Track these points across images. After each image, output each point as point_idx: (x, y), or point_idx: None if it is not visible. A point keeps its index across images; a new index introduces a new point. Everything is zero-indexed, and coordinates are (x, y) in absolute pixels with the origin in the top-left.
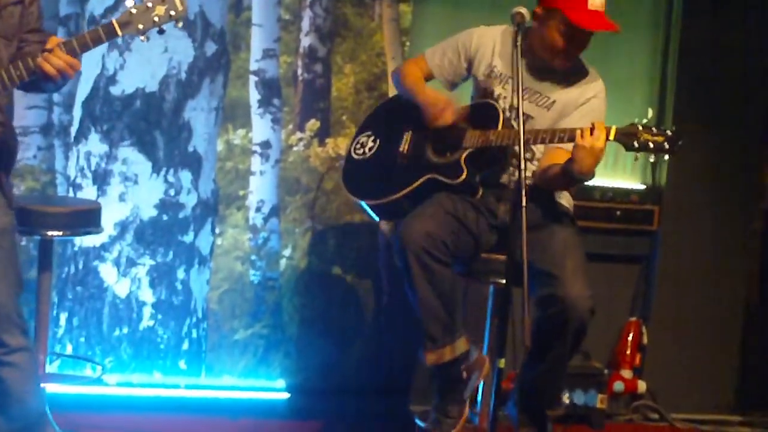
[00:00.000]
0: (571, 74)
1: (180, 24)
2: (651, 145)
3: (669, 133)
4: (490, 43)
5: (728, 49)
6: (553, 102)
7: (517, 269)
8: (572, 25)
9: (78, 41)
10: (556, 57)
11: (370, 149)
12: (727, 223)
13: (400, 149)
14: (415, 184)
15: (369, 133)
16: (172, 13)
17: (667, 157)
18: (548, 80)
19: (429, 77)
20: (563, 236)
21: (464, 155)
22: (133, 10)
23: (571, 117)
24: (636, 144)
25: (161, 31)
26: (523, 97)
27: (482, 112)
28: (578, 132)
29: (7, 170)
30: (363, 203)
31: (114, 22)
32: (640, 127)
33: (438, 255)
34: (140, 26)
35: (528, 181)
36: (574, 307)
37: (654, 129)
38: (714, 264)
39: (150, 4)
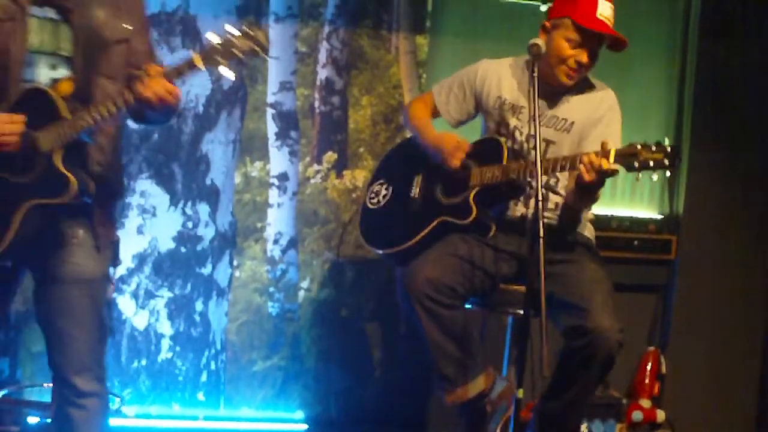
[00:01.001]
0: (582, 93)
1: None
2: (651, 163)
3: (668, 148)
4: (496, 76)
5: (744, 72)
6: (572, 123)
7: (537, 300)
8: (580, 28)
9: (171, 71)
10: (563, 67)
11: (384, 197)
12: (745, 250)
13: (411, 195)
14: (428, 229)
15: (382, 181)
16: (257, 48)
17: (668, 173)
18: (562, 103)
19: (436, 114)
20: (591, 269)
21: (472, 194)
22: (215, 44)
23: (590, 139)
24: (636, 164)
25: (243, 63)
26: (540, 123)
27: (487, 148)
28: (577, 160)
29: (105, 211)
30: (379, 252)
31: (195, 56)
32: (639, 146)
33: (442, 300)
34: (221, 59)
35: (550, 214)
36: (603, 339)
37: (653, 146)
38: (732, 293)
39: (231, 38)
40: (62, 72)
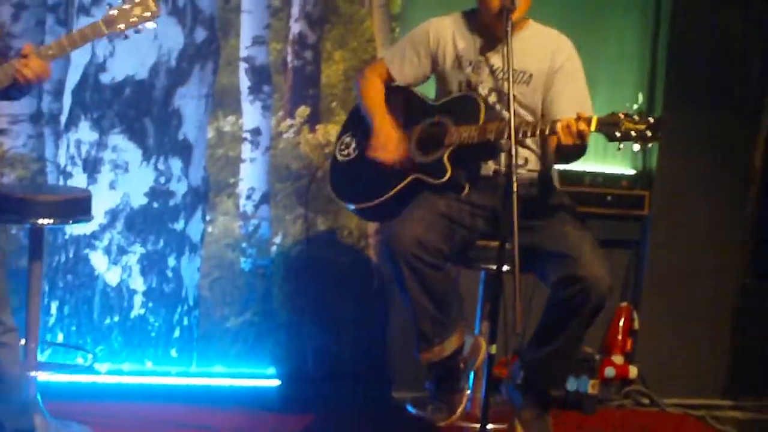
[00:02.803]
0: (535, 42)
1: (154, 25)
2: (633, 134)
3: (651, 120)
4: (449, 34)
5: (719, 30)
6: (530, 75)
7: (513, 254)
8: None
9: (53, 48)
10: (492, 8)
11: (354, 150)
12: (718, 207)
13: None
14: (400, 186)
15: (351, 133)
16: (147, 14)
17: (650, 145)
18: (517, 54)
19: (390, 81)
20: (575, 222)
21: (447, 153)
22: (114, 12)
23: (556, 89)
24: (618, 134)
25: (138, 31)
26: (499, 78)
27: (462, 105)
28: (558, 126)
29: None
30: (350, 206)
31: (100, 23)
32: (622, 116)
33: (429, 260)
34: (121, 26)
35: (523, 170)
36: (596, 285)
37: (636, 117)
38: (705, 248)
39: (128, 6)
40: None
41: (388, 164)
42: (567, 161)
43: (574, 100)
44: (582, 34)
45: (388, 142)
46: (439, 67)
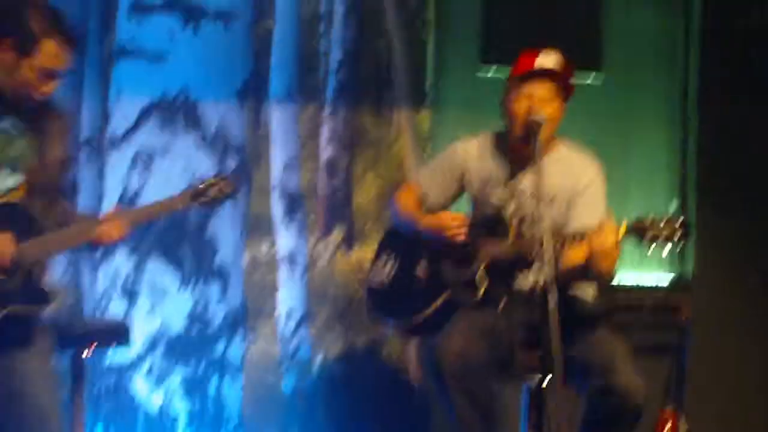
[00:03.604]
0: (562, 165)
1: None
2: (661, 237)
3: (678, 222)
4: (476, 155)
5: (746, 136)
6: (553, 197)
7: (553, 365)
8: (518, 77)
9: (139, 214)
10: (518, 129)
11: (390, 271)
12: (756, 310)
13: (417, 269)
14: (438, 302)
15: (386, 254)
16: (227, 190)
17: (678, 248)
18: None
19: (423, 202)
20: (605, 332)
21: (481, 269)
22: (201, 185)
23: (577, 210)
24: (646, 237)
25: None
26: (522, 198)
27: (492, 223)
28: (588, 234)
29: None
30: (389, 325)
31: (188, 194)
32: (649, 221)
33: (475, 373)
34: (205, 199)
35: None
36: (630, 395)
37: (663, 220)
38: (745, 352)
39: (213, 181)
40: (14, 180)
41: (426, 280)
42: (597, 278)
43: (593, 219)
44: (613, 144)
45: (444, 220)
46: (467, 188)
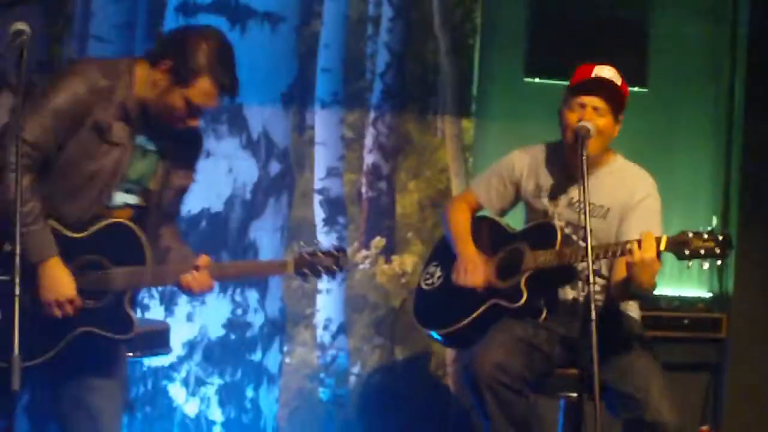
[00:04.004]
0: (617, 178)
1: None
2: (702, 252)
3: (719, 237)
4: (532, 164)
5: None
6: (608, 210)
7: (590, 383)
8: (574, 87)
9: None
10: (569, 137)
11: (438, 278)
12: None
13: None
14: (479, 311)
15: (436, 263)
16: (334, 268)
17: (719, 262)
18: (594, 188)
19: (478, 209)
20: (644, 358)
21: (524, 278)
22: (306, 255)
23: (629, 223)
24: (687, 252)
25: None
26: (576, 209)
27: (540, 232)
28: (627, 247)
29: None
30: (432, 333)
31: (289, 262)
32: (690, 234)
33: (512, 384)
34: (306, 271)
35: (598, 296)
36: (663, 429)
37: (705, 234)
38: None
39: (321, 255)
40: (133, 198)
41: (471, 288)
42: (638, 291)
43: (641, 226)
44: (654, 159)
45: (471, 267)
46: (522, 196)
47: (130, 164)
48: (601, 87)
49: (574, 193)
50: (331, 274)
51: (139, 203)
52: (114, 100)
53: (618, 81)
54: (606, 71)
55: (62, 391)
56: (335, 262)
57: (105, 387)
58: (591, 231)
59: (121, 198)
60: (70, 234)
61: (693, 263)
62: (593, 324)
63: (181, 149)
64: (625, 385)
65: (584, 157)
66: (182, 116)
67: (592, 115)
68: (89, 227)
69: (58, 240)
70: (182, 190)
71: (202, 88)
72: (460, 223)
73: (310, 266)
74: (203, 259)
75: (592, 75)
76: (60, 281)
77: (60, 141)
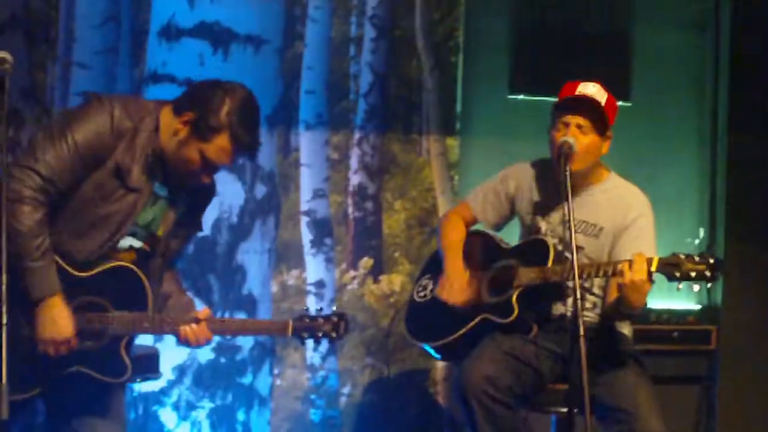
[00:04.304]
0: (610, 197)
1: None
2: (693, 274)
3: (711, 261)
4: (527, 180)
5: None
6: (601, 229)
7: (580, 398)
8: (558, 104)
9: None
10: (554, 153)
11: (431, 291)
12: None
13: None
14: (470, 325)
15: (429, 275)
16: (333, 334)
17: (708, 285)
18: (590, 206)
19: (473, 222)
20: (633, 372)
21: (515, 294)
22: (307, 319)
23: (622, 243)
24: (678, 273)
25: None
26: (563, 226)
27: (533, 249)
28: (619, 267)
29: None
30: (423, 345)
31: (290, 324)
32: (682, 257)
33: (500, 397)
34: (305, 335)
35: (589, 313)
36: None
37: (696, 258)
38: None
39: (321, 321)
40: (138, 242)
41: (452, 305)
42: (628, 311)
43: (634, 246)
44: (639, 173)
45: (455, 284)
46: (517, 211)
47: (143, 211)
48: (584, 105)
49: (564, 210)
50: (330, 339)
51: (144, 248)
52: (137, 143)
53: (603, 98)
54: (590, 88)
55: (61, 426)
56: (335, 329)
57: (103, 426)
58: (583, 249)
59: (126, 241)
60: (75, 273)
61: (683, 285)
62: (582, 339)
63: (194, 199)
64: (615, 398)
65: (568, 174)
66: (196, 171)
67: (576, 133)
68: (95, 267)
69: (62, 277)
70: (188, 239)
71: (219, 145)
72: (453, 238)
73: (309, 330)
74: (204, 312)
75: (576, 92)
76: (59, 321)
77: (77, 178)
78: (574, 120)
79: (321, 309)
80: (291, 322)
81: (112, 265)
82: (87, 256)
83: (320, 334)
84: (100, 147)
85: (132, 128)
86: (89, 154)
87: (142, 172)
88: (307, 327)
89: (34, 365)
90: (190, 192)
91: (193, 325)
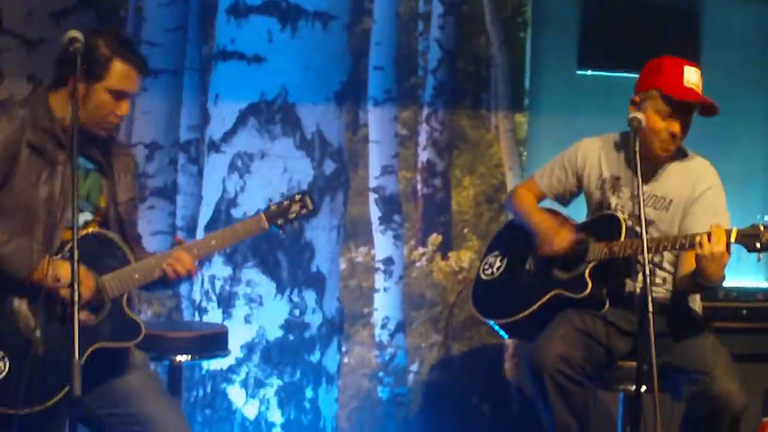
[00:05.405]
0: (680, 169)
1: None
2: None
3: None
4: (596, 155)
5: None
6: (670, 201)
7: (650, 375)
8: (669, 99)
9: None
10: (657, 139)
11: (498, 269)
12: None
13: (527, 267)
14: (541, 301)
15: (496, 253)
16: (304, 211)
17: None
18: (660, 180)
19: (541, 198)
20: (709, 338)
21: (588, 269)
22: (274, 208)
23: (693, 215)
24: (758, 244)
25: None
26: (635, 201)
27: (605, 224)
28: (697, 239)
29: None
30: (491, 323)
31: (262, 217)
32: (762, 227)
33: (573, 375)
34: (280, 221)
35: (661, 288)
36: (730, 403)
37: None
38: None
39: (287, 203)
40: (88, 215)
41: (534, 278)
42: (708, 283)
43: (706, 218)
44: (708, 148)
45: (552, 234)
46: (584, 186)
47: (80, 185)
48: (697, 108)
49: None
50: (304, 217)
51: (97, 219)
52: (38, 125)
53: (701, 87)
54: (693, 74)
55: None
56: (303, 205)
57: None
58: (654, 223)
59: (81, 217)
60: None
61: (763, 256)
62: (650, 316)
63: (115, 163)
64: (691, 362)
65: (637, 150)
66: (113, 107)
67: (681, 134)
68: (63, 250)
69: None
70: (131, 203)
71: (117, 72)
72: (528, 202)
73: (282, 216)
74: (178, 237)
75: (684, 82)
76: (63, 266)
77: (3, 176)
78: (683, 122)
79: (282, 194)
80: (263, 216)
81: (79, 236)
82: (47, 244)
83: (293, 216)
84: (10, 141)
85: (29, 113)
86: (3, 152)
87: (57, 148)
88: (278, 214)
89: (58, 365)
90: (115, 159)
91: (175, 253)
